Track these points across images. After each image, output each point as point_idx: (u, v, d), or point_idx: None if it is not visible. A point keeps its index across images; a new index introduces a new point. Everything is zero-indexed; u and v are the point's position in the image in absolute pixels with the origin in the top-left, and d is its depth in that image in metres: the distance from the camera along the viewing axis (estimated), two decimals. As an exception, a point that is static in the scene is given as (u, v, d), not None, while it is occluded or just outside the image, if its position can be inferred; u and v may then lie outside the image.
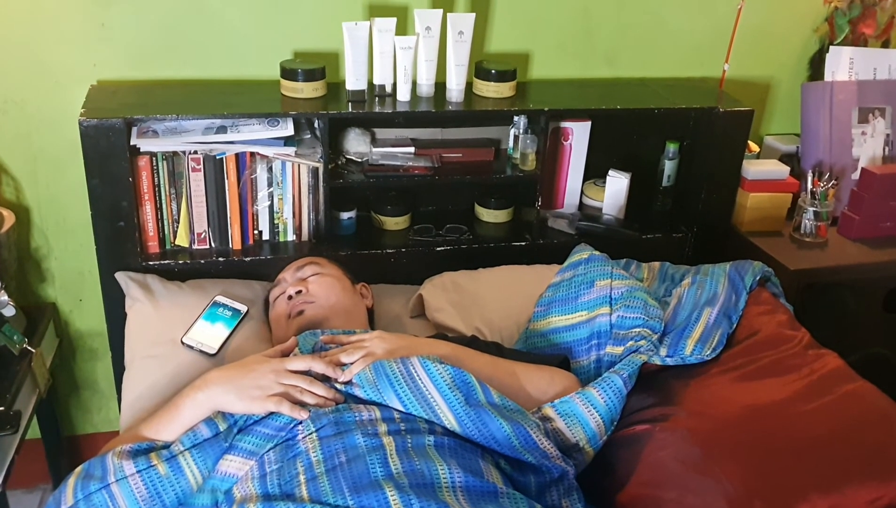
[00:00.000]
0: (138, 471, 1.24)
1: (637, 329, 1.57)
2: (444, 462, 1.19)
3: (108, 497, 1.22)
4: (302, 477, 1.18)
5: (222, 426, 1.29)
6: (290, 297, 1.59)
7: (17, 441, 1.76)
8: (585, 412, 1.38)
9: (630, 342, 1.55)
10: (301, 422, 1.26)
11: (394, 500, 1.11)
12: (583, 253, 1.82)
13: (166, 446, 1.30)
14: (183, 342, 1.62)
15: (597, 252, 1.81)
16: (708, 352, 1.51)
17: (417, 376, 1.31)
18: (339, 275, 1.66)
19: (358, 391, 1.31)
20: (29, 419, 1.83)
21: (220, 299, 1.70)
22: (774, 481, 1.25)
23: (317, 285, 1.60)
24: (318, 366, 1.33)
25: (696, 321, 1.58)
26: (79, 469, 1.27)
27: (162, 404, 1.39)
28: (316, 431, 1.24)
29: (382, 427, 1.24)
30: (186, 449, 1.27)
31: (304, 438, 1.24)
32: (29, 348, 1.79)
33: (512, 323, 1.79)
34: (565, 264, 1.84)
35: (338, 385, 1.33)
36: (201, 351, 1.61)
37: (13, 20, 1.75)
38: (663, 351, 1.53)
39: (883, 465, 1.26)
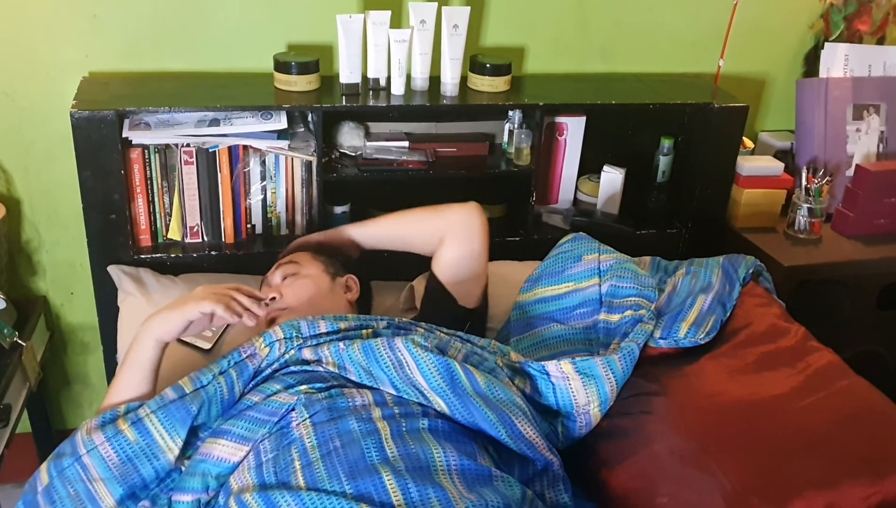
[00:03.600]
0: (107, 439, 1.24)
1: (633, 299, 1.59)
2: (438, 445, 1.19)
3: (80, 469, 1.22)
4: (297, 464, 1.17)
5: (188, 388, 1.29)
6: (266, 304, 1.59)
7: (7, 435, 1.75)
8: (604, 375, 1.42)
9: (628, 312, 1.56)
10: (294, 408, 1.26)
11: (391, 484, 1.11)
12: (569, 236, 1.82)
13: (132, 410, 1.29)
14: (177, 338, 1.60)
15: (583, 234, 1.81)
16: (702, 336, 1.52)
17: (405, 362, 1.31)
18: (317, 273, 1.63)
19: (353, 377, 1.32)
20: (19, 413, 1.82)
21: None
22: (770, 477, 1.25)
23: (291, 290, 1.58)
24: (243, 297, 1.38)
25: (690, 307, 1.59)
26: (51, 455, 1.27)
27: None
28: (309, 417, 1.23)
29: (376, 412, 1.24)
30: (152, 412, 1.26)
31: (297, 425, 1.23)
32: (19, 341, 1.78)
33: (506, 318, 1.79)
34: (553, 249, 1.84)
35: (331, 369, 1.33)
36: (195, 346, 1.60)
37: (4, 11, 1.74)
38: (657, 333, 1.54)
39: (877, 462, 1.25)
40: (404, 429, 1.21)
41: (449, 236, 1.64)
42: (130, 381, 1.34)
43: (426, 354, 1.32)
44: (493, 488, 1.16)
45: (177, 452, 1.25)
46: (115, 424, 1.26)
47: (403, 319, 1.51)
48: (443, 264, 1.64)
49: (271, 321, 1.55)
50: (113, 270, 1.73)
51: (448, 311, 1.62)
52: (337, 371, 1.33)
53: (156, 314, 1.36)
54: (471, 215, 1.64)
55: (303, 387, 1.30)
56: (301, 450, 1.19)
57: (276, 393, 1.29)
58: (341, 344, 1.35)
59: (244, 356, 1.37)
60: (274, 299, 1.57)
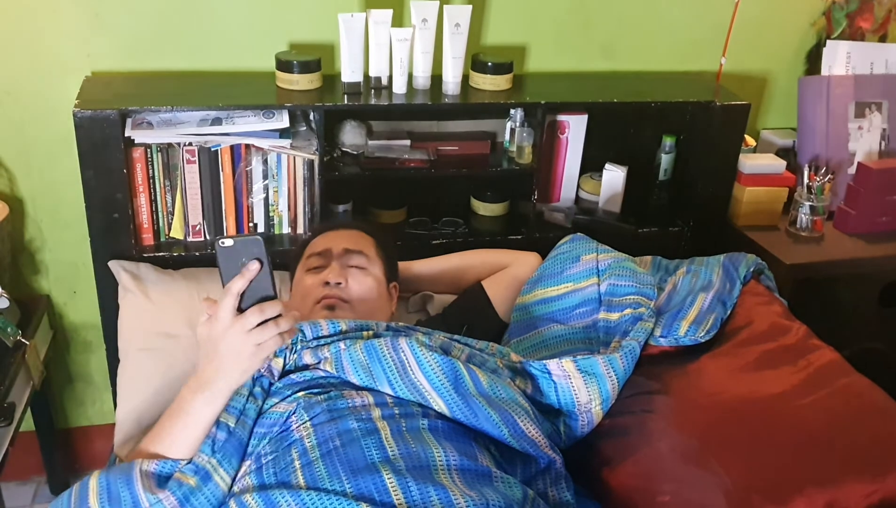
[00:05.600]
0: (171, 492, 1.16)
1: (632, 297, 1.59)
2: (439, 444, 1.20)
3: None
4: (297, 464, 1.17)
5: (232, 422, 1.23)
6: (327, 282, 1.51)
7: (10, 434, 1.75)
8: (605, 374, 1.43)
9: (628, 310, 1.56)
10: (294, 412, 1.25)
11: (391, 484, 1.11)
12: (567, 237, 1.82)
13: (189, 461, 1.21)
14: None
15: (581, 234, 1.81)
16: (702, 334, 1.52)
17: (407, 362, 1.31)
18: (380, 278, 1.58)
19: (352, 378, 1.31)
20: (23, 412, 1.83)
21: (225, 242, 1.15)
22: (772, 475, 1.25)
23: (358, 285, 1.52)
24: (273, 309, 1.13)
25: (690, 305, 1.59)
26: (94, 483, 1.17)
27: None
28: (310, 420, 1.23)
29: (376, 412, 1.24)
30: (211, 457, 1.20)
31: (297, 428, 1.23)
32: (23, 340, 1.79)
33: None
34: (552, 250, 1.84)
35: (329, 369, 1.32)
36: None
37: (6, 9, 1.74)
38: (657, 331, 1.54)
39: (879, 459, 1.25)
40: (404, 428, 1.22)
41: (514, 264, 1.79)
42: (178, 439, 1.20)
43: (430, 354, 1.32)
44: (494, 487, 1.16)
45: (230, 482, 1.22)
46: (175, 478, 1.18)
47: (401, 323, 1.51)
48: (499, 279, 1.76)
49: (329, 308, 1.48)
50: (113, 265, 1.73)
51: (489, 321, 1.70)
52: (335, 373, 1.32)
53: (215, 376, 1.15)
54: (537, 259, 1.79)
55: (301, 393, 1.29)
56: (301, 450, 1.19)
57: (274, 405, 1.29)
58: (342, 344, 1.35)
59: (262, 370, 1.33)
60: (340, 284, 1.51)
